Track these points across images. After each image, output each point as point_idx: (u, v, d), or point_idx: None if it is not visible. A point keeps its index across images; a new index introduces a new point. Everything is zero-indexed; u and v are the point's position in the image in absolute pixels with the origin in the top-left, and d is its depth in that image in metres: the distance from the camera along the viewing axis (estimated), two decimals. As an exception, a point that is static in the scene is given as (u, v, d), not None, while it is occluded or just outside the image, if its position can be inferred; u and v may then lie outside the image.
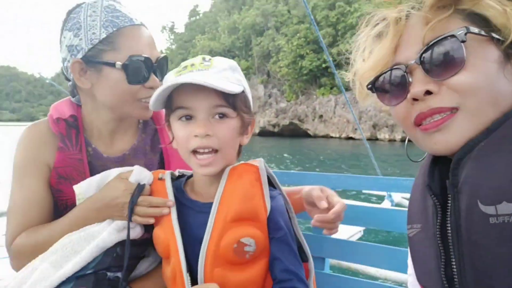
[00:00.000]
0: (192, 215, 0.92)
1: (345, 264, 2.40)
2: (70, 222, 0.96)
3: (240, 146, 0.96)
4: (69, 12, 1.06)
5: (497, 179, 0.55)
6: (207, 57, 0.90)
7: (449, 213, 0.60)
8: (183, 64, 0.89)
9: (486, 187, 0.56)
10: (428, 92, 0.62)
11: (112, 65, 1.00)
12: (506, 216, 0.52)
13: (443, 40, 0.60)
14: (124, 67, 1.00)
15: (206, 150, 0.86)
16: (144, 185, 0.95)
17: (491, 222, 0.53)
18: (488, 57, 0.60)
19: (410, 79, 0.64)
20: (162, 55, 1.09)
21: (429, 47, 0.61)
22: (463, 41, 0.59)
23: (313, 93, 38.25)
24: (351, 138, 31.92)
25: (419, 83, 0.63)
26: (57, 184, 1.04)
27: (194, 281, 0.86)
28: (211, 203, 0.89)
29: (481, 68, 0.59)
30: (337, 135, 34.27)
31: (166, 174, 0.98)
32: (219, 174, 0.90)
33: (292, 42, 37.76)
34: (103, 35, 1.01)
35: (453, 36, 0.59)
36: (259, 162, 0.93)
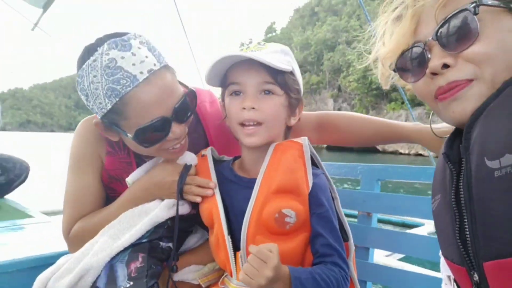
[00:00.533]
0: (238, 190, 0.99)
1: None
2: (122, 203, 1.06)
3: (288, 127, 1.03)
4: (77, 68, 0.96)
5: (501, 134, 0.56)
6: (262, 42, 0.99)
7: (462, 176, 0.61)
8: (243, 45, 1.00)
9: (491, 143, 0.57)
10: (446, 66, 0.64)
11: (125, 133, 0.97)
12: (508, 167, 0.53)
13: (457, 14, 0.62)
14: (135, 139, 0.95)
15: (252, 123, 0.94)
16: (190, 165, 1.05)
17: (496, 175, 0.54)
18: (502, 27, 0.61)
19: (429, 55, 0.67)
20: (186, 92, 1.01)
21: (444, 23, 0.64)
22: (475, 14, 0.60)
23: (384, 108, 37.07)
24: (420, 155, 30.25)
25: (436, 57, 0.65)
26: (109, 183, 1.14)
27: (236, 248, 0.93)
28: (253, 179, 0.96)
29: (495, 38, 0.61)
30: (406, 152, 32.74)
31: (208, 151, 1.07)
32: (264, 151, 0.97)
33: (362, 56, 37.11)
34: (109, 106, 0.92)
35: (465, 10, 0.61)
36: (303, 139, 0.98)
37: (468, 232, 0.59)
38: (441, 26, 0.64)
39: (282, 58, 0.95)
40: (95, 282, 0.95)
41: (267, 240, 0.89)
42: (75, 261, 0.97)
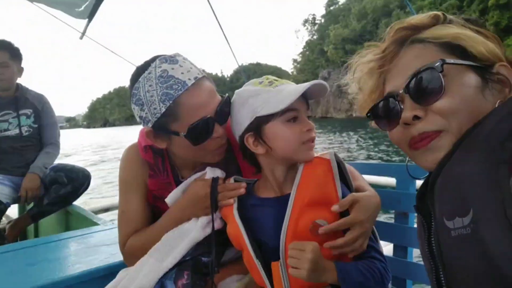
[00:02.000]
0: (262, 211, 1.06)
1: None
2: (163, 223, 1.18)
3: None
4: (131, 87, 1.10)
5: (451, 196, 0.61)
6: (269, 77, 1.09)
7: (433, 231, 0.66)
8: (258, 81, 1.07)
9: (446, 204, 0.62)
10: (416, 117, 0.71)
11: (177, 133, 1.09)
12: (459, 229, 0.58)
13: (424, 71, 0.70)
14: (187, 136, 1.07)
15: (313, 142, 1.05)
16: (218, 177, 1.13)
17: (452, 235, 0.59)
18: (466, 83, 0.68)
19: (402, 106, 0.74)
20: (223, 97, 1.12)
21: (413, 78, 0.71)
22: (440, 71, 0.67)
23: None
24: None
25: (408, 109, 0.72)
26: (154, 202, 1.27)
27: (267, 266, 1.00)
28: (284, 196, 1.03)
29: (459, 93, 0.68)
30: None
31: (231, 179, 1.15)
32: (293, 170, 1.05)
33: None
34: (163, 109, 1.05)
35: (432, 67, 0.68)
36: (330, 154, 1.05)
37: (443, 280, 0.64)
38: (411, 80, 0.71)
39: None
40: None
41: None
42: (130, 280, 1.10)
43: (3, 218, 2.89)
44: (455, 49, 0.71)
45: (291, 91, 0.99)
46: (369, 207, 1.00)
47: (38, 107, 2.68)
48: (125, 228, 1.23)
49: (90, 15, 4.31)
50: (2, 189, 2.40)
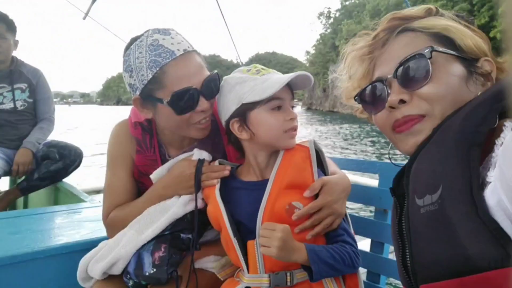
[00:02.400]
0: (244, 194, 1.09)
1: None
2: (146, 199, 1.20)
3: None
4: (124, 52, 1.15)
5: (425, 175, 0.64)
6: (255, 66, 1.11)
7: (405, 210, 0.69)
8: (246, 69, 1.10)
9: (419, 182, 0.65)
10: (402, 101, 0.73)
11: (161, 101, 1.10)
12: (427, 206, 0.61)
13: (413, 58, 0.72)
14: (170, 103, 1.08)
15: (295, 131, 1.08)
16: (204, 159, 1.15)
17: (421, 212, 0.62)
18: (452, 72, 0.71)
19: (389, 91, 0.76)
20: (211, 73, 1.14)
21: (402, 63, 0.74)
22: (429, 58, 0.70)
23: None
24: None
25: (394, 93, 0.74)
26: (139, 178, 1.29)
27: (244, 246, 1.03)
28: (264, 180, 1.06)
29: (445, 80, 0.71)
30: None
31: (216, 162, 1.18)
32: (274, 155, 1.08)
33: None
34: (150, 76, 1.08)
35: (421, 54, 0.71)
36: (310, 143, 1.09)
37: (408, 259, 0.66)
38: (400, 66, 0.74)
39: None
40: (126, 267, 1.10)
41: None
42: (109, 249, 1.13)
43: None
44: (444, 40, 0.74)
45: (276, 80, 1.02)
46: (336, 189, 1.05)
47: (33, 82, 2.68)
48: (109, 200, 1.25)
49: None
50: (-5, 161, 2.42)
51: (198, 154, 1.17)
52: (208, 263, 1.20)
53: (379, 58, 0.81)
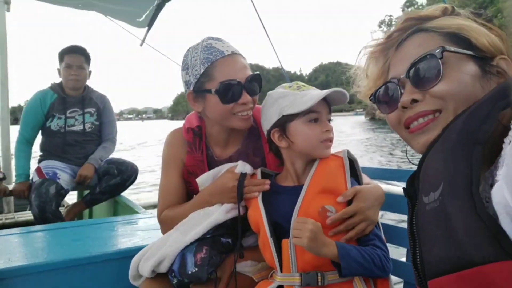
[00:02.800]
0: (282, 198, 1.15)
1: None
2: (193, 203, 1.31)
3: None
4: (184, 56, 1.35)
5: (431, 173, 0.64)
6: (297, 83, 1.20)
7: (415, 210, 0.69)
8: (287, 85, 1.20)
9: (426, 181, 0.65)
10: (414, 101, 0.74)
11: (210, 91, 1.25)
12: (432, 203, 0.61)
13: (424, 58, 0.73)
14: (217, 92, 1.24)
15: (331, 142, 1.16)
16: (246, 173, 1.23)
17: (427, 209, 0.62)
18: (463, 70, 0.71)
19: (402, 91, 0.77)
20: (254, 73, 1.30)
21: (414, 64, 0.74)
22: (440, 58, 0.71)
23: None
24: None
25: (407, 93, 0.75)
26: (188, 178, 1.40)
27: (279, 247, 1.09)
28: (300, 186, 1.12)
29: (457, 78, 0.71)
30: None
31: (258, 170, 1.26)
32: (311, 163, 1.15)
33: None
34: (202, 70, 1.26)
35: (432, 54, 0.72)
36: (343, 153, 1.16)
37: (418, 257, 0.66)
38: (412, 66, 0.75)
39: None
40: (171, 265, 1.20)
41: None
42: (156, 248, 1.24)
43: (64, 203, 3.25)
44: (458, 39, 0.73)
45: (314, 95, 1.10)
46: (369, 197, 1.09)
47: (100, 106, 2.96)
48: (163, 201, 1.39)
49: (149, 24, 4.65)
50: (64, 177, 2.68)
51: (241, 167, 1.26)
52: (246, 267, 1.26)
53: (393, 58, 0.82)
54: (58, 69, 2.89)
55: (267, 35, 3.66)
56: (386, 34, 0.85)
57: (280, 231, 1.12)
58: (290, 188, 1.16)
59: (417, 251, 0.67)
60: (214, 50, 1.27)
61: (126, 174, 2.78)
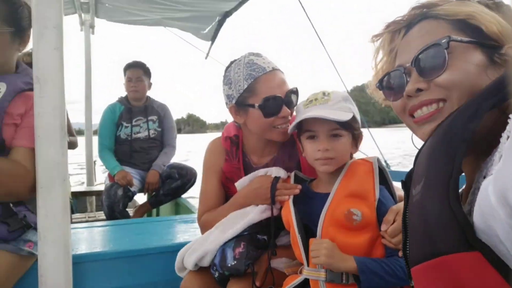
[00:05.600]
0: (313, 203, 1.23)
1: None
2: (231, 204, 1.43)
3: (351, 154, 1.25)
4: (225, 71, 1.46)
5: (419, 167, 0.66)
6: (326, 91, 1.22)
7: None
8: (309, 97, 1.24)
9: (415, 174, 0.68)
10: (419, 90, 0.73)
11: (253, 106, 1.36)
12: (416, 195, 0.64)
13: (430, 47, 0.72)
14: (260, 107, 1.34)
15: (327, 160, 1.17)
16: (279, 177, 1.35)
17: (413, 201, 0.65)
18: (470, 60, 0.70)
19: (408, 79, 0.77)
20: (293, 87, 1.40)
21: (420, 53, 0.74)
22: (446, 48, 0.70)
23: None
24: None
25: (412, 82, 0.75)
26: (226, 183, 1.53)
27: (308, 244, 1.16)
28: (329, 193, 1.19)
29: (462, 68, 0.69)
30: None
31: (292, 174, 1.35)
32: (339, 170, 1.20)
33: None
34: (245, 86, 1.36)
35: (438, 44, 0.71)
36: (373, 159, 1.20)
37: (408, 249, 0.67)
38: (418, 55, 0.74)
39: (344, 106, 1.17)
40: (213, 259, 1.34)
41: (337, 231, 1.12)
42: (199, 244, 1.39)
43: (136, 203, 3.62)
44: (467, 27, 0.72)
45: (301, 116, 1.17)
46: None
47: (161, 114, 3.26)
48: (203, 205, 1.53)
49: (213, 38, 4.96)
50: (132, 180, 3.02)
51: (276, 171, 1.38)
52: (281, 263, 1.36)
53: (400, 45, 0.81)
54: (124, 84, 3.25)
55: (325, 49, 3.72)
56: (392, 20, 0.83)
57: (310, 233, 1.19)
58: (322, 194, 1.22)
59: (407, 241, 0.69)
60: (256, 66, 1.38)
61: (186, 177, 3.03)
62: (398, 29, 0.82)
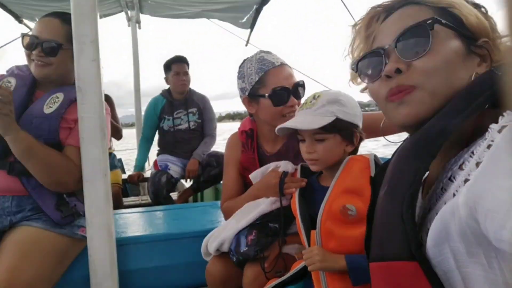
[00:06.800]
0: (319, 195, 1.32)
1: None
2: (245, 196, 1.59)
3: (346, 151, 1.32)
4: (239, 67, 1.65)
5: (388, 170, 0.71)
6: (317, 94, 1.30)
7: None
8: (305, 100, 1.34)
9: (385, 176, 0.73)
10: (399, 71, 0.71)
11: (263, 96, 1.53)
12: (380, 197, 0.69)
13: (415, 27, 0.71)
14: (270, 96, 1.51)
15: (312, 161, 1.29)
16: (287, 172, 1.47)
17: (378, 201, 0.71)
18: (450, 47, 0.69)
19: (387, 61, 0.74)
20: (299, 80, 1.56)
21: (403, 32, 0.72)
22: (431, 29, 0.69)
23: None
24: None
25: (392, 62, 0.72)
26: (243, 172, 1.70)
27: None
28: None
29: (443, 54, 0.68)
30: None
31: (298, 167, 1.47)
32: (338, 165, 1.28)
33: None
34: (256, 78, 1.54)
35: (423, 24, 0.70)
36: (370, 155, 1.26)
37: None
38: (400, 35, 0.72)
39: (327, 109, 1.24)
40: (230, 245, 1.50)
41: (334, 224, 1.21)
42: (219, 232, 1.55)
43: (180, 188, 3.89)
44: (449, 15, 0.72)
45: (285, 123, 1.29)
46: None
47: (201, 106, 3.45)
48: (224, 194, 1.73)
49: (251, 25, 5.05)
50: (174, 168, 3.25)
51: (284, 166, 1.50)
52: (293, 249, 1.48)
53: (379, 30, 0.79)
54: (165, 78, 3.46)
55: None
56: (371, 7, 0.82)
57: (315, 222, 1.28)
58: (325, 188, 1.30)
59: (370, 237, 0.73)
60: (266, 61, 1.55)
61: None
62: (377, 15, 0.81)
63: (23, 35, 1.64)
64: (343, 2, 3.55)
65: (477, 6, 0.75)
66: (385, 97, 0.75)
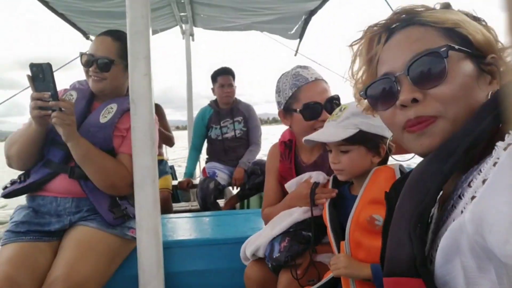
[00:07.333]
0: (349, 205, 1.34)
1: None
2: (281, 205, 1.65)
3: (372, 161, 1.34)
4: (277, 82, 1.71)
5: (405, 188, 0.72)
6: (343, 106, 1.35)
7: None
8: (334, 112, 1.39)
9: (402, 192, 0.73)
10: (415, 100, 0.69)
11: (295, 110, 1.59)
12: (395, 213, 0.71)
13: (428, 55, 0.68)
14: (301, 111, 1.56)
15: (338, 171, 1.35)
16: (318, 183, 1.51)
17: (394, 216, 0.71)
18: (465, 71, 0.68)
19: (399, 88, 0.71)
20: (333, 95, 1.59)
21: (415, 60, 0.69)
22: (445, 57, 0.66)
23: None
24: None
25: (406, 91, 0.70)
26: (281, 180, 1.76)
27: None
28: None
29: (459, 80, 0.67)
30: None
31: (330, 178, 1.50)
32: (365, 176, 1.31)
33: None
34: (290, 93, 1.60)
35: (437, 52, 0.67)
36: (395, 166, 1.27)
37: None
38: (413, 62, 0.69)
39: (350, 122, 1.28)
40: (265, 252, 1.56)
41: (362, 235, 1.23)
42: (255, 238, 1.62)
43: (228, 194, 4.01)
44: (456, 36, 0.69)
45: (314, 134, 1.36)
46: None
47: (246, 115, 3.55)
48: (265, 201, 1.81)
49: (300, 35, 5.11)
50: (222, 175, 3.37)
51: (316, 177, 1.54)
52: (326, 258, 1.51)
53: (383, 53, 0.76)
54: (212, 88, 3.61)
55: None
56: (370, 25, 0.79)
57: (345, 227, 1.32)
58: (356, 197, 1.32)
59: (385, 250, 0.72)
60: (300, 77, 1.61)
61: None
62: (378, 35, 0.78)
63: (81, 54, 1.84)
64: (389, 7, 3.49)
65: (477, 20, 0.73)
66: (402, 127, 0.72)
